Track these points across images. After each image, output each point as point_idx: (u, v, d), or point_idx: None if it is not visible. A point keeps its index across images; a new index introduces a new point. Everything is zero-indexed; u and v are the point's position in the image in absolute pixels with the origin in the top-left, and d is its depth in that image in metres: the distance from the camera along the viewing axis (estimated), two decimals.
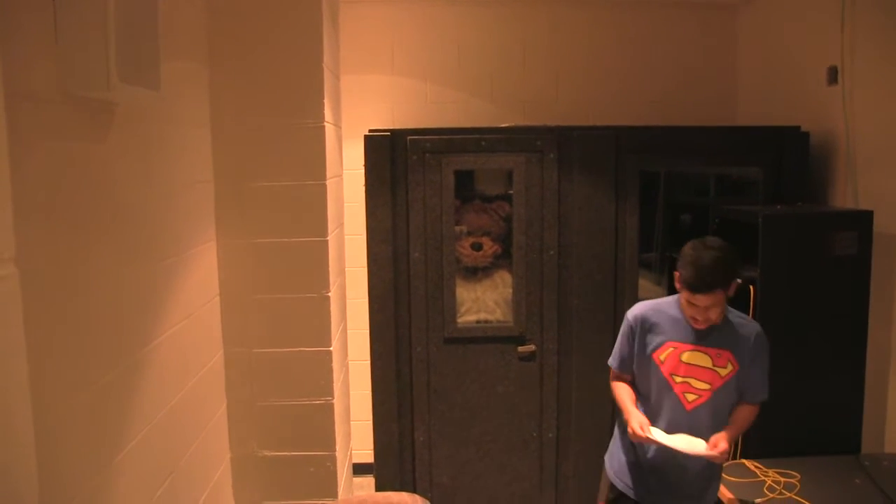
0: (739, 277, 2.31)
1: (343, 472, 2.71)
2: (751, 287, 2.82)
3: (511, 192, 3.39)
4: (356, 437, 3.38)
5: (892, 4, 2.96)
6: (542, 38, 4.16)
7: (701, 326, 2.32)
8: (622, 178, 3.35)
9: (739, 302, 2.86)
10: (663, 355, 2.39)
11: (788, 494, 2.43)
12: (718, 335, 2.35)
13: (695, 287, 2.23)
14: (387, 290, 3.35)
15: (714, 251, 2.24)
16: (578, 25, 4.17)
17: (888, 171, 2.96)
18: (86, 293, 1.48)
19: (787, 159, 3.36)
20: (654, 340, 2.41)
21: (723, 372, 2.34)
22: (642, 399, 2.44)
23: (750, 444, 2.85)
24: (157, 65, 1.67)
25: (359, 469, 3.59)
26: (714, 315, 2.28)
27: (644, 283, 3.53)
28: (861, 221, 2.83)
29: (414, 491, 3.43)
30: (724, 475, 2.56)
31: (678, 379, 2.36)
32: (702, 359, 2.35)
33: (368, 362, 3.41)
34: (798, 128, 3.40)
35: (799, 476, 2.54)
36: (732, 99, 4.28)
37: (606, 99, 4.18)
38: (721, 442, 2.24)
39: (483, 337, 3.44)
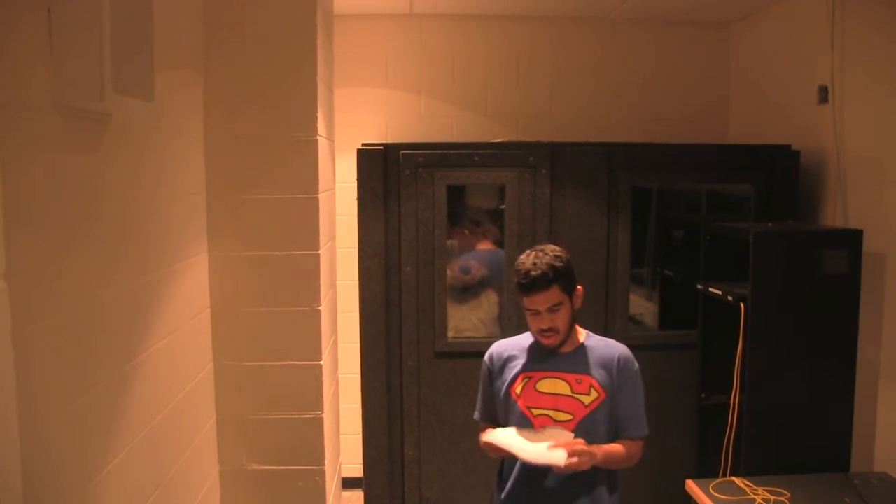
0: (578, 283, 2.14)
1: (332, 486, 2.69)
2: (741, 304, 2.82)
3: (503, 206, 3.39)
4: (345, 450, 3.36)
5: (881, 25, 3.00)
6: (536, 53, 4.19)
7: (551, 341, 2.12)
8: (614, 194, 3.36)
9: (731, 318, 2.88)
10: (518, 388, 2.17)
11: None
12: (575, 359, 2.15)
13: (527, 286, 2.06)
14: (378, 304, 3.34)
15: (540, 250, 2.12)
16: (572, 42, 4.20)
17: (878, 191, 2.99)
18: (75, 305, 1.47)
19: (778, 177, 3.39)
20: (509, 375, 2.21)
21: (586, 400, 2.11)
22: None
23: (739, 462, 2.85)
24: (151, 75, 1.67)
25: (348, 483, 3.56)
26: (560, 322, 2.09)
27: (635, 299, 3.54)
28: (851, 240, 2.85)
29: None
30: (713, 492, 2.56)
31: (536, 412, 2.13)
32: (559, 386, 2.13)
33: (359, 376, 3.39)
34: (789, 146, 3.43)
35: (788, 494, 2.54)
36: (724, 116, 4.31)
37: (600, 115, 4.20)
38: (576, 448, 1.97)
39: (474, 352, 3.41)
